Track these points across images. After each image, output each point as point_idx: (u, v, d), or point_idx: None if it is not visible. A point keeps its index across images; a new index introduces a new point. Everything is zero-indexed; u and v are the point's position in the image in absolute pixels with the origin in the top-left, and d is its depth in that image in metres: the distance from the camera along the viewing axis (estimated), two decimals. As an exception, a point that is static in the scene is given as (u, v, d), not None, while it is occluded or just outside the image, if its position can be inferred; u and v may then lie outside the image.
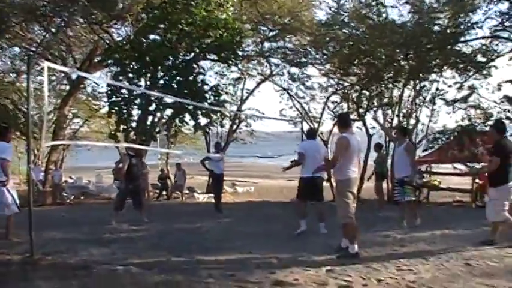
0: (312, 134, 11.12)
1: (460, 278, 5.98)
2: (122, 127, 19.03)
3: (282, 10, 21.55)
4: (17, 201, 8.90)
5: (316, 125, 23.59)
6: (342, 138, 7.53)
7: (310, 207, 10.12)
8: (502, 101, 18.04)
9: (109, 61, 19.93)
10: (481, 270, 6.42)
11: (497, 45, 18.22)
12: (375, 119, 20.43)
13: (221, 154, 15.25)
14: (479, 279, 5.95)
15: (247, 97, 27.42)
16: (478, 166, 17.70)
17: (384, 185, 17.11)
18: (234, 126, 26.89)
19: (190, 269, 6.52)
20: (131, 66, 18.97)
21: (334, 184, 7.93)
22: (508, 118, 17.66)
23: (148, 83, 19.00)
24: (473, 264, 6.71)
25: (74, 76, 23.20)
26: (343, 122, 7.94)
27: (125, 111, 18.95)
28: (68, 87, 24.78)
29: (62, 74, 24.53)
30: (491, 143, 8.49)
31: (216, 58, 20.67)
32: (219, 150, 15.95)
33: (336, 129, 17.51)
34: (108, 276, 6.11)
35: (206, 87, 19.91)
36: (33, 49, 21.82)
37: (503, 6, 16.73)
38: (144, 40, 18.90)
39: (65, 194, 20.29)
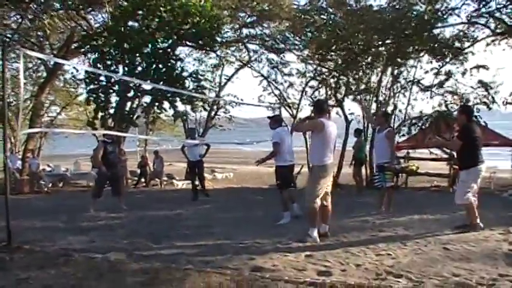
0: (281, 119, 10.74)
1: (438, 263, 6.03)
2: (100, 114, 18.89)
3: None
4: None
5: (294, 111, 23.64)
6: (317, 120, 7.60)
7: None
8: (478, 86, 18.23)
9: (86, 48, 19.71)
10: (459, 254, 6.48)
11: (473, 31, 18.38)
12: (357, 100, 20.46)
13: (198, 140, 15.06)
14: (457, 263, 6.01)
15: (225, 83, 27.34)
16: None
17: (363, 170, 17.21)
18: (213, 113, 26.80)
19: (169, 256, 6.50)
20: (109, 53, 18.79)
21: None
22: (484, 103, 17.88)
23: (126, 69, 18.83)
24: (451, 249, 6.77)
25: (51, 63, 22.95)
26: (319, 108, 7.94)
27: (103, 98, 18.81)
28: (45, 74, 24.48)
29: (39, 61, 24.22)
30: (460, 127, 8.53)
31: (194, 45, 20.56)
32: (193, 136, 15.72)
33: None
34: (87, 264, 6.07)
35: (185, 74, 19.84)
36: (9, 35, 21.47)
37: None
38: (123, 27, 18.69)
39: (42, 182, 20.07)
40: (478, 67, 18.34)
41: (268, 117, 10.54)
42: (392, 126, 12.63)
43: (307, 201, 7.48)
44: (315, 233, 7.41)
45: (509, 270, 5.67)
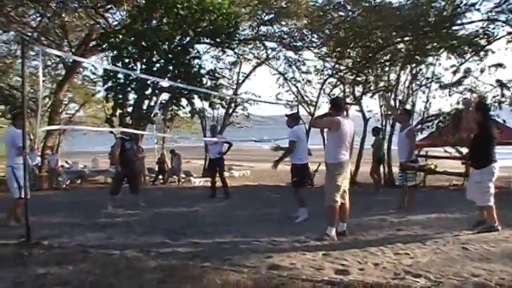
0: (298, 117, 10.77)
1: (457, 263, 5.97)
2: (118, 112, 18.97)
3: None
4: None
5: (312, 109, 23.57)
6: (334, 118, 7.55)
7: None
8: (495, 86, 18.07)
9: (104, 46, 19.81)
10: (478, 254, 6.41)
11: (493, 28, 18.16)
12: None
13: (217, 137, 14.99)
14: (477, 263, 5.94)
15: (243, 81, 27.34)
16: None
17: (381, 168, 17.12)
18: (230, 110, 26.81)
19: (187, 254, 6.51)
20: (127, 50, 18.86)
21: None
22: (499, 102, 17.70)
23: (143, 67, 18.90)
24: (470, 249, 6.71)
25: (69, 61, 23.10)
26: (336, 105, 7.90)
27: (121, 96, 18.90)
28: (63, 72, 24.64)
29: (58, 59, 24.38)
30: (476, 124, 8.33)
31: (212, 42, 20.58)
32: (214, 133, 15.73)
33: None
34: (104, 260, 6.10)
35: (203, 71, 19.86)
36: (29, 34, 21.62)
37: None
38: (140, 25, 18.74)
39: (60, 179, 20.22)
40: (496, 65, 18.15)
41: (286, 115, 10.52)
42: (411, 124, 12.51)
43: (327, 199, 7.46)
44: (333, 232, 7.39)
45: (529, 271, 5.60)
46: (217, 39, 19.89)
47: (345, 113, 7.90)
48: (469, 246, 6.85)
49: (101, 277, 5.39)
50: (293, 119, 10.28)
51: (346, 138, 7.56)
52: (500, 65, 18.11)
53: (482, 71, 18.46)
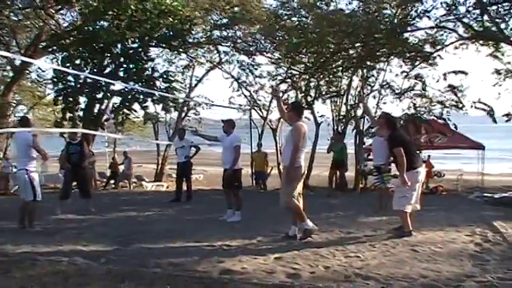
0: (234, 124, 10.78)
1: (406, 264, 6.09)
2: (68, 115, 18.65)
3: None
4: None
5: (264, 113, 23.70)
6: (301, 126, 7.60)
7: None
8: (447, 90, 18.45)
9: (54, 47, 19.43)
10: (426, 255, 6.57)
11: (442, 35, 18.57)
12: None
13: (184, 141, 14.96)
14: (425, 264, 6.08)
15: (196, 84, 27.28)
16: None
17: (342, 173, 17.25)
18: (183, 114, 26.67)
19: (138, 259, 6.43)
20: (78, 52, 18.55)
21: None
22: (454, 106, 18.13)
23: (95, 70, 18.61)
24: (419, 250, 6.86)
25: (17, 62, 22.57)
26: (299, 110, 7.98)
27: (71, 99, 18.58)
28: (11, 74, 24.05)
29: (5, 60, 23.79)
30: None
31: (166, 46, 20.44)
32: (182, 137, 15.64)
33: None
34: (53, 268, 5.96)
35: (156, 74, 19.71)
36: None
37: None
38: (92, 26, 18.45)
39: (11, 184, 19.73)
40: (457, 72, 18.53)
41: (223, 121, 10.75)
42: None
43: (285, 202, 7.55)
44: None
45: (475, 271, 5.77)
46: (172, 43, 19.72)
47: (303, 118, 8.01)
48: (417, 248, 7.01)
49: (49, 285, 5.27)
50: (230, 125, 10.50)
51: (305, 142, 7.67)
52: (462, 72, 18.47)
53: (437, 81, 18.80)
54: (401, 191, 7.97)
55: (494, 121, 19.32)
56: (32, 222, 9.30)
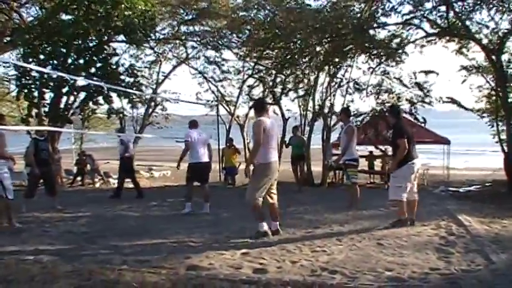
0: (195, 124, 11.42)
1: (372, 258, 6.16)
2: (34, 111, 18.35)
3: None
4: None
5: (232, 108, 23.69)
6: (259, 121, 7.60)
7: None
8: (413, 86, 18.63)
9: (18, 42, 19.06)
10: (392, 249, 6.66)
11: (408, 31, 18.71)
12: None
13: (122, 137, 14.91)
14: (391, 258, 6.16)
15: (163, 80, 26.98)
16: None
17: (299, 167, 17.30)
18: (150, 110, 26.43)
19: (104, 257, 6.39)
20: (42, 47, 18.25)
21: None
22: (420, 101, 18.35)
23: (58, 64, 18.31)
24: (385, 244, 6.96)
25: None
26: (259, 107, 8.00)
27: (36, 94, 18.28)
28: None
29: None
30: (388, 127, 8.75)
31: (126, 40, 20.19)
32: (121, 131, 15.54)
33: (252, 113, 17.63)
34: (18, 267, 5.88)
35: (121, 69, 19.51)
36: None
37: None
38: (54, 20, 18.11)
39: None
40: (421, 72, 18.73)
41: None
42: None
43: (249, 198, 7.52)
44: (265, 227, 7.55)
45: (439, 263, 5.87)
46: (132, 37, 19.42)
47: (267, 113, 8.01)
48: (383, 241, 7.11)
49: (14, 284, 5.20)
50: (191, 124, 11.37)
51: (273, 138, 7.66)
52: (433, 72, 18.65)
53: (401, 78, 18.94)
54: (397, 181, 8.21)
55: (465, 108, 19.88)
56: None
